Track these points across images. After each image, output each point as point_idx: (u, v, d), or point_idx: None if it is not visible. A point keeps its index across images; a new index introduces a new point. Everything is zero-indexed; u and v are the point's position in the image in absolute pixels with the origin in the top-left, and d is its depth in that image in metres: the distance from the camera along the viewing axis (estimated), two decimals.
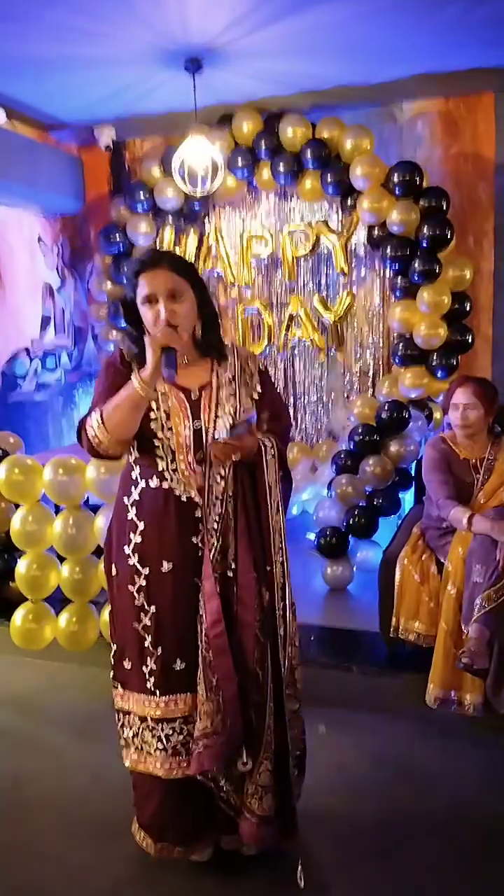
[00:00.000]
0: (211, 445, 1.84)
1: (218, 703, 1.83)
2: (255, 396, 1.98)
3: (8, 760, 2.69)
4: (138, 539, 1.91)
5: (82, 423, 1.89)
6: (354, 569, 3.85)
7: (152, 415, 1.86)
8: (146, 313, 1.84)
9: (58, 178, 4.63)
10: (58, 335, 5.01)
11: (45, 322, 4.88)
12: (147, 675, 1.93)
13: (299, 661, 2.00)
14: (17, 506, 3.28)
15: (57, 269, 5.01)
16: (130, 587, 1.92)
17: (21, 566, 3.17)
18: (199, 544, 1.88)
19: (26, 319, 4.71)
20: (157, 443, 1.87)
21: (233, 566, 1.88)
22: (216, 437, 1.85)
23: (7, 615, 3.26)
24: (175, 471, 1.87)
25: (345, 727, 2.78)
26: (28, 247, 4.73)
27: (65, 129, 4.78)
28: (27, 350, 4.70)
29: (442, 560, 2.85)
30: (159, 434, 1.87)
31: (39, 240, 4.84)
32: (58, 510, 3.29)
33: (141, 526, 1.90)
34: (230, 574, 1.88)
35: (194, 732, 1.87)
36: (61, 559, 3.21)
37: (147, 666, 1.92)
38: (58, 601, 3.26)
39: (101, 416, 1.82)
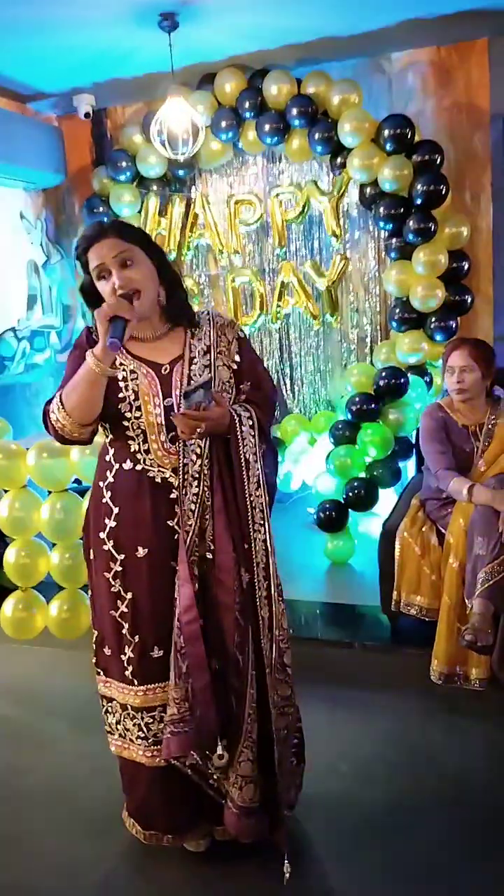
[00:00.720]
0: (172, 418, 1.71)
1: (187, 690, 1.76)
2: (234, 366, 1.86)
3: (2, 751, 2.63)
4: (113, 523, 1.82)
5: (46, 408, 1.80)
6: (356, 542, 3.75)
7: (121, 394, 1.76)
8: (102, 288, 1.74)
9: (38, 150, 4.47)
10: (46, 314, 4.88)
11: (31, 301, 4.75)
12: (125, 664, 1.87)
13: (289, 644, 1.89)
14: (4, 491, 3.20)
15: (41, 244, 4.86)
16: (106, 574, 1.84)
17: (9, 554, 3.08)
18: (176, 527, 1.78)
19: (11, 299, 4.58)
20: (126, 423, 1.77)
21: (211, 547, 1.79)
22: (177, 409, 1.72)
23: (1, 603, 3.18)
24: (147, 451, 1.78)
25: (347, 705, 2.71)
26: (10, 223, 4.58)
27: (43, 99, 4.61)
28: (13, 330, 4.57)
29: (443, 531, 2.75)
30: (128, 414, 1.76)
31: (22, 216, 4.69)
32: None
33: (116, 510, 1.81)
34: (209, 556, 1.79)
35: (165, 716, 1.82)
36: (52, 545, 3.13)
37: (125, 654, 1.86)
38: (50, 588, 3.18)
39: (61, 398, 1.74)
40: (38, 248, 4.82)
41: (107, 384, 1.72)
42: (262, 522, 1.81)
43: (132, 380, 1.77)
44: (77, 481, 3.13)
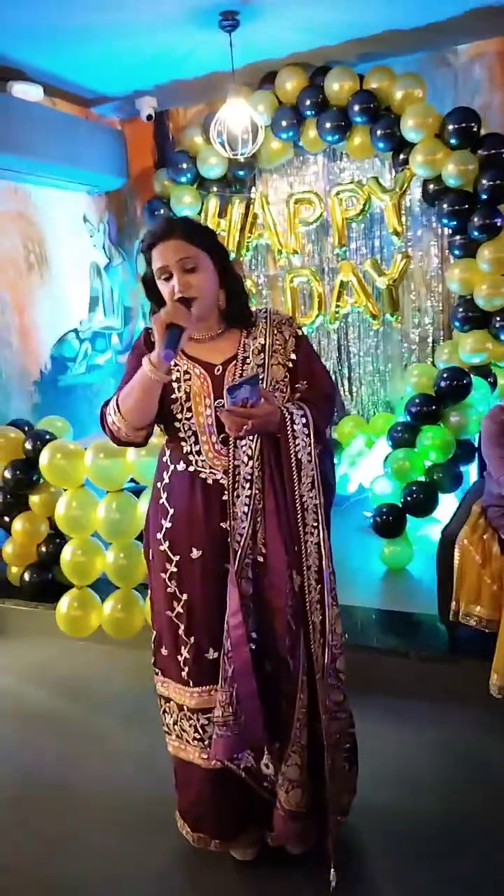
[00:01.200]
0: (219, 415, 1.68)
1: (231, 694, 1.74)
2: (289, 364, 1.81)
3: (54, 746, 2.67)
4: (168, 524, 1.82)
5: (102, 411, 1.81)
6: (414, 548, 3.66)
7: (173, 395, 1.75)
8: (163, 288, 1.73)
9: (101, 154, 4.54)
10: (107, 315, 4.95)
11: (93, 303, 4.83)
12: (182, 665, 1.86)
13: (342, 650, 1.85)
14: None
15: (104, 247, 4.93)
16: (162, 574, 1.84)
17: (66, 552, 3.13)
18: (229, 528, 1.75)
19: (74, 300, 4.66)
20: (178, 425, 1.77)
21: (263, 550, 1.75)
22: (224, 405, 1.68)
23: (58, 599, 3.24)
24: (199, 453, 1.76)
25: (402, 716, 2.63)
26: (73, 226, 4.66)
27: (106, 102, 4.67)
28: (76, 331, 4.65)
29: None
30: (179, 416, 1.76)
31: (85, 218, 4.77)
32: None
33: (171, 511, 1.81)
34: (261, 559, 1.76)
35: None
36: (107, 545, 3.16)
37: (181, 655, 1.86)
38: (105, 586, 3.22)
39: (117, 401, 1.74)
40: (100, 250, 4.90)
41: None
42: (315, 524, 1.75)
43: (185, 381, 1.76)
44: (133, 481, 3.16)
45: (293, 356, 1.82)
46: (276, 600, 1.74)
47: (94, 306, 4.83)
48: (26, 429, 3.74)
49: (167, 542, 1.82)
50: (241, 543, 1.73)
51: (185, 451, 1.77)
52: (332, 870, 1.80)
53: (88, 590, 3.17)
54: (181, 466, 1.79)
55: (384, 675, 2.80)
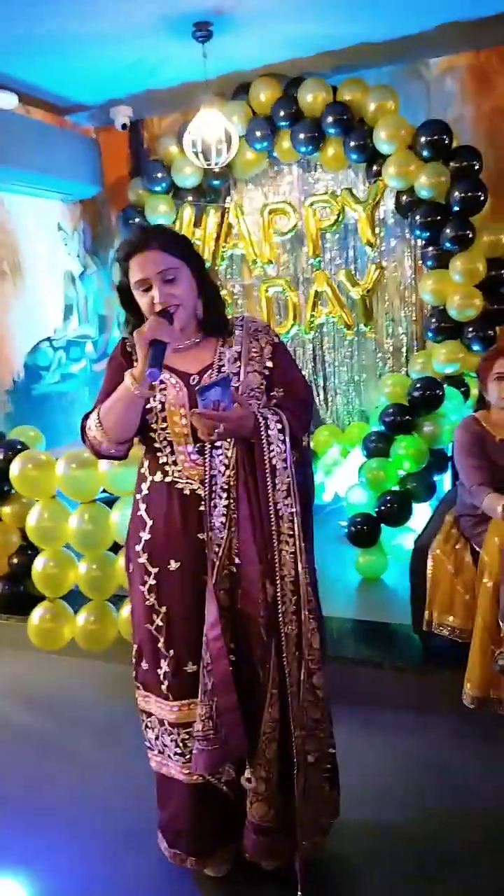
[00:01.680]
0: (191, 418, 1.65)
1: (211, 707, 1.71)
2: (265, 372, 1.79)
3: (26, 763, 2.62)
4: (147, 536, 1.79)
5: (83, 424, 1.78)
6: (388, 557, 3.67)
7: (148, 405, 1.73)
8: (141, 300, 1.71)
9: (75, 162, 4.52)
10: (81, 324, 4.92)
11: (67, 311, 4.80)
12: (161, 678, 1.83)
13: (320, 665, 1.79)
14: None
15: (78, 255, 4.91)
16: (141, 587, 1.82)
17: (38, 563, 3.09)
18: (207, 539, 1.73)
19: (48, 309, 4.63)
20: (153, 435, 1.75)
21: (237, 561, 1.73)
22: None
23: (29, 612, 3.19)
24: (175, 463, 1.74)
25: (376, 727, 2.63)
26: (47, 234, 4.64)
27: (81, 111, 4.66)
28: (50, 340, 4.62)
29: (477, 550, 2.65)
30: (154, 425, 1.74)
31: (59, 227, 4.74)
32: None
33: (150, 522, 1.79)
34: (234, 569, 1.73)
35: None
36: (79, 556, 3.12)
37: (161, 668, 1.83)
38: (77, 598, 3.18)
39: (98, 415, 1.72)
40: (74, 258, 4.87)
41: None
42: (290, 533, 1.70)
43: (161, 391, 1.73)
44: (105, 492, 3.13)
45: (269, 363, 1.79)
46: (250, 609, 1.71)
47: (69, 315, 4.80)
48: None
49: (146, 554, 1.80)
50: (219, 554, 1.70)
51: (161, 462, 1.76)
52: (300, 892, 1.78)
53: (61, 602, 3.13)
54: (158, 477, 1.77)
55: (358, 685, 2.79)
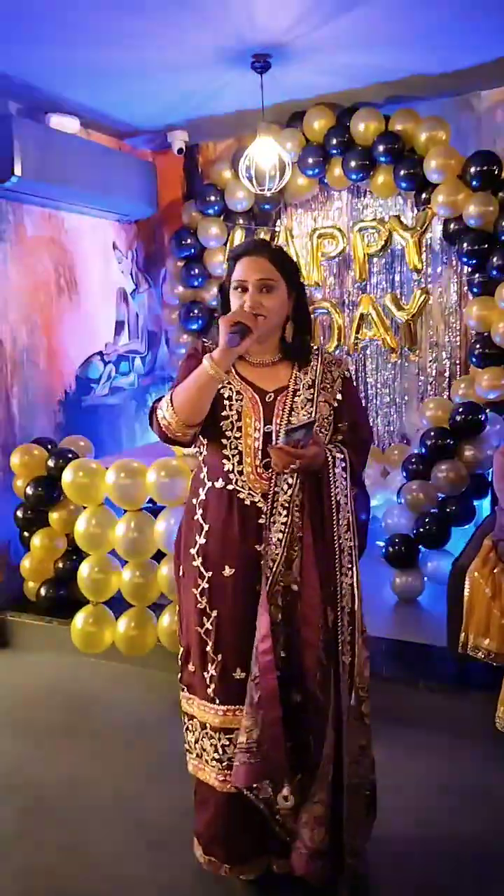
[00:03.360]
0: (269, 449, 1.74)
1: (256, 720, 1.75)
2: (335, 404, 1.87)
3: (65, 761, 2.71)
4: (203, 540, 1.86)
5: (154, 406, 1.87)
6: (425, 579, 3.69)
7: (224, 413, 1.81)
8: (234, 300, 1.80)
9: (132, 185, 4.67)
10: (131, 339, 5.07)
11: (118, 327, 4.95)
12: (208, 682, 1.88)
13: (368, 694, 1.86)
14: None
15: (131, 273, 5.07)
16: (194, 590, 1.88)
17: (83, 569, 3.20)
18: (263, 552, 1.80)
19: (100, 324, 4.78)
20: (225, 442, 1.81)
21: (298, 580, 1.79)
22: (276, 442, 1.76)
23: (72, 615, 3.30)
24: (241, 473, 1.81)
25: (409, 747, 2.65)
26: (103, 253, 4.80)
27: (139, 135, 4.83)
28: (101, 354, 4.77)
29: None
30: (228, 433, 1.81)
31: (114, 246, 4.91)
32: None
33: (206, 527, 1.85)
34: (295, 588, 1.80)
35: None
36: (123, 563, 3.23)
37: (208, 672, 1.88)
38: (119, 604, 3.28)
39: (171, 396, 1.79)
40: (127, 276, 5.03)
41: (213, 401, 1.78)
42: (350, 566, 1.81)
43: (237, 400, 1.82)
44: (151, 501, 3.23)
45: (339, 396, 1.88)
46: (309, 634, 1.77)
47: (120, 330, 4.95)
48: (49, 447, 3.83)
49: (201, 558, 1.86)
50: (273, 569, 1.77)
51: (226, 470, 1.82)
52: None
53: (103, 606, 3.23)
54: (220, 484, 1.82)
55: (393, 705, 2.81)
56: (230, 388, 1.82)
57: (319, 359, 1.88)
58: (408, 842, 2.19)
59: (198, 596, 1.86)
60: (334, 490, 1.77)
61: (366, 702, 1.85)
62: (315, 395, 1.83)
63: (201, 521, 1.86)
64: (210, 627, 1.85)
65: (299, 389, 1.83)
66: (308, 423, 1.71)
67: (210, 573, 1.84)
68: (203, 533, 1.85)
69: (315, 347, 1.91)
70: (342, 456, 1.80)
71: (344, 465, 1.79)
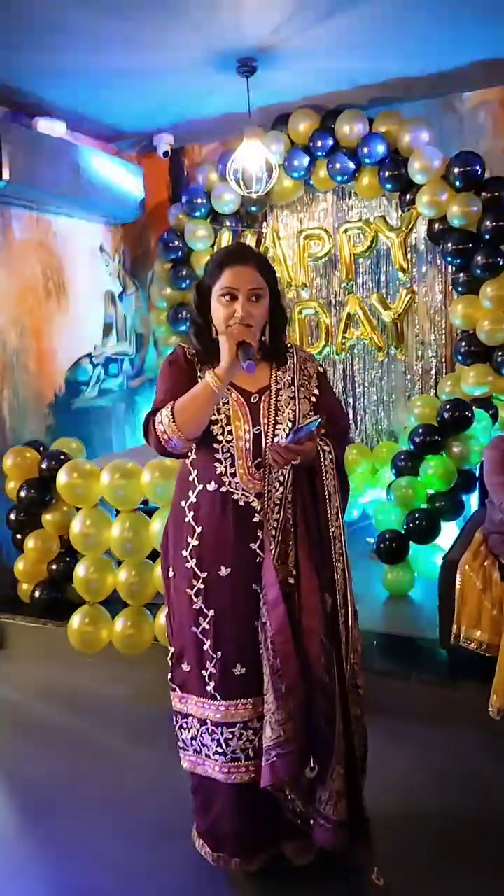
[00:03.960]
0: (270, 448, 1.79)
1: (289, 711, 1.78)
2: (313, 399, 1.93)
3: (64, 759, 2.73)
4: (196, 542, 1.88)
5: (149, 420, 1.85)
6: (415, 574, 3.75)
7: (213, 417, 1.84)
8: (220, 307, 1.81)
9: (119, 188, 4.70)
10: (120, 342, 5.09)
11: (107, 329, 4.97)
12: (207, 679, 1.90)
13: (361, 667, 1.96)
14: (77, 509, 3.35)
15: (118, 276, 5.09)
16: (188, 591, 1.90)
17: (79, 569, 3.22)
18: (258, 550, 1.84)
19: (89, 327, 4.80)
20: (216, 446, 1.84)
21: (294, 572, 1.85)
22: (276, 440, 1.81)
23: (66, 617, 3.32)
24: (234, 475, 1.84)
25: (403, 738, 2.69)
26: (90, 256, 4.82)
27: (125, 138, 4.86)
28: (90, 356, 4.79)
29: None
30: (220, 437, 1.84)
31: (101, 249, 4.93)
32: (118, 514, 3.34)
33: (199, 529, 1.87)
34: (291, 581, 1.85)
35: (263, 742, 1.82)
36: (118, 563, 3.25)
37: (206, 670, 1.90)
38: (115, 604, 3.30)
39: (172, 412, 1.77)
40: (115, 279, 5.05)
41: None
42: (340, 552, 1.89)
43: (224, 404, 1.85)
44: (145, 502, 3.26)
45: (316, 391, 1.93)
46: (311, 622, 1.81)
47: (108, 333, 4.97)
48: (41, 449, 3.85)
49: (194, 559, 1.87)
50: (276, 566, 1.81)
51: (218, 472, 1.84)
52: (377, 869, 1.93)
53: (100, 607, 3.25)
54: (212, 486, 1.84)
55: (385, 698, 2.85)
56: (228, 389, 1.86)
57: (295, 357, 1.94)
58: (401, 830, 2.22)
59: (192, 596, 1.89)
60: (326, 482, 1.85)
61: (360, 674, 1.94)
62: (296, 392, 1.88)
63: (193, 524, 1.88)
64: (207, 626, 1.88)
65: (281, 388, 1.88)
66: (315, 420, 1.77)
67: (205, 573, 1.86)
68: (196, 535, 1.87)
69: (290, 346, 1.96)
70: (328, 448, 1.86)
71: (331, 456, 1.87)
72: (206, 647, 1.89)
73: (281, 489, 1.84)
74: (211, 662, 1.89)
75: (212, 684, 1.90)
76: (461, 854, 2.13)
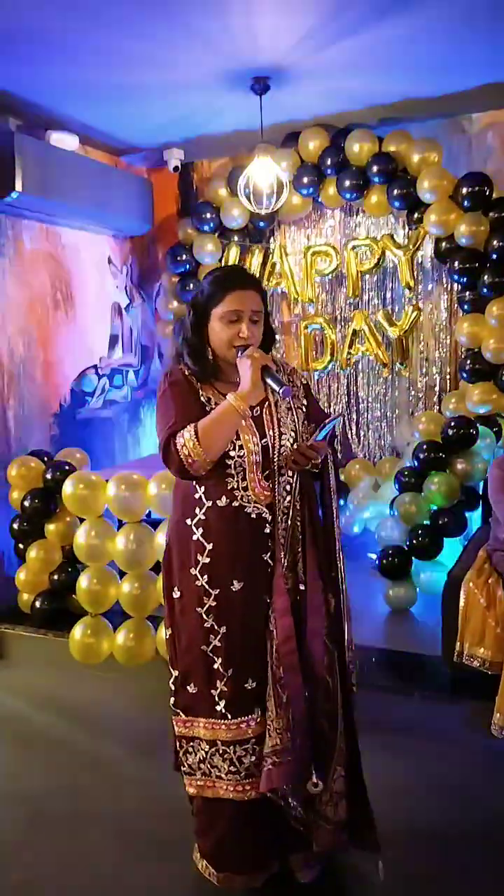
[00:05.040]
0: (294, 451, 1.86)
1: (288, 720, 1.80)
2: (303, 409, 1.99)
3: (64, 772, 2.72)
4: (206, 559, 1.85)
5: (169, 443, 1.80)
6: (418, 590, 3.74)
7: None
8: (222, 328, 1.84)
9: (128, 201, 4.74)
10: (125, 353, 5.12)
11: (113, 341, 4.99)
12: (217, 699, 1.88)
13: (356, 666, 2.02)
14: (81, 520, 3.36)
15: (125, 289, 5.12)
16: (199, 609, 1.86)
17: (82, 580, 3.21)
18: (269, 560, 1.86)
19: (95, 338, 4.82)
20: (228, 462, 1.83)
21: (303, 578, 1.89)
22: (292, 446, 1.88)
23: (67, 627, 3.31)
24: (245, 488, 1.84)
25: (405, 754, 2.68)
26: (98, 268, 4.85)
27: (135, 152, 4.91)
28: (95, 368, 4.81)
29: None
30: (231, 453, 1.83)
31: (109, 261, 4.97)
32: (121, 525, 3.34)
33: (209, 546, 1.85)
34: (302, 587, 1.88)
35: (264, 749, 1.83)
36: (121, 574, 3.25)
37: (216, 689, 1.87)
38: (116, 615, 3.29)
39: (196, 434, 1.75)
40: (122, 291, 5.08)
41: None
42: (339, 550, 1.99)
43: None
44: (147, 514, 3.26)
45: (304, 401, 2.01)
46: (315, 623, 1.86)
47: (114, 344, 5.00)
48: (46, 459, 3.85)
49: (205, 577, 1.84)
50: (286, 574, 1.85)
51: (230, 487, 1.82)
52: (381, 864, 1.96)
53: (101, 618, 3.25)
54: (223, 502, 1.83)
55: (387, 715, 2.85)
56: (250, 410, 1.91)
57: (284, 369, 2.01)
58: (400, 845, 2.20)
59: (203, 615, 1.86)
60: (332, 481, 1.96)
61: (354, 673, 1.99)
62: (290, 403, 1.94)
63: (202, 541, 1.85)
64: (218, 644, 1.85)
65: (277, 401, 1.93)
66: (336, 418, 1.93)
67: (217, 590, 1.84)
68: (206, 552, 1.85)
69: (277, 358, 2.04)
70: (329, 450, 1.97)
71: (332, 458, 1.98)
72: (216, 666, 1.86)
73: (289, 497, 1.88)
74: (221, 681, 1.87)
75: (222, 703, 1.87)
76: (460, 870, 2.12)
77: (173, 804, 2.31)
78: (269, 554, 1.87)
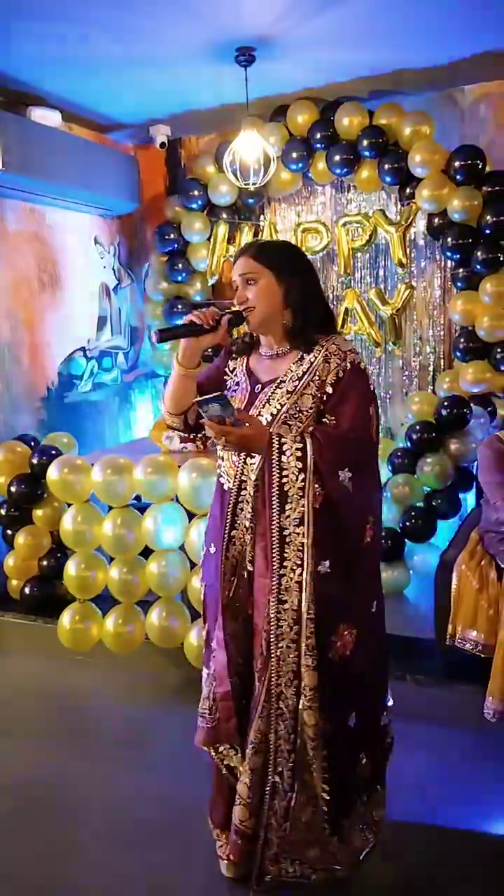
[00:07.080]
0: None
1: (211, 691, 1.92)
2: (322, 397, 1.75)
3: (53, 758, 2.69)
4: (209, 521, 2.03)
5: None
6: (411, 573, 3.70)
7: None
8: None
9: (114, 179, 4.63)
10: (114, 335, 5.03)
11: (101, 322, 4.91)
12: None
13: (315, 704, 1.75)
14: (68, 505, 3.30)
15: (113, 269, 5.03)
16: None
17: (70, 566, 3.17)
18: (233, 534, 1.89)
19: (83, 320, 4.74)
20: None
21: (249, 569, 1.86)
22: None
23: (56, 614, 3.27)
24: (223, 458, 1.91)
25: (396, 738, 2.65)
26: (85, 248, 4.76)
27: (121, 129, 4.79)
28: (83, 350, 4.73)
29: (502, 566, 2.70)
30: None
31: (96, 241, 4.87)
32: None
33: (210, 510, 2.02)
34: (250, 568, 1.85)
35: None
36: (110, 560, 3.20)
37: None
38: (106, 601, 3.25)
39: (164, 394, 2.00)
40: (109, 272, 4.99)
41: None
42: (297, 562, 1.70)
43: (234, 392, 1.90)
44: (137, 498, 3.21)
45: (329, 389, 1.75)
46: (259, 620, 1.83)
47: (102, 326, 4.92)
48: (32, 444, 3.79)
49: (205, 536, 2.03)
50: (235, 554, 1.87)
51: (217, 460, 1.94)
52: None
53: (90, 604, 3.21)
54: (216, 473, 1.96)
55: None
56: (234, 380, 1.92)
57: (323, 349, 1.78)
58: (393, 831, 2.18)
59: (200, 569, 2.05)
60: (279, 477, 1.67)
61: (309, 711, 1.75)
62: (300, 385, 1.76)
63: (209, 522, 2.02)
64: (202, 597, 2.03)
65: (286, 381, 1.78)
66: (218, 395, 1.61)
67: (203, 549, 2.01)
68: (209, 514, 2.02)
69: (324, 337, 1.81)
70: (300, 446, 1.67)
71: (300, 454, 1.66)
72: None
73: (253, 477, 1.79)
74: (203, 629, 2.04)
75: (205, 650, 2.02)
76: (456, 856, 2.09)
77: (162, 792, 2.30)
78: (227, 529, 1.89)
